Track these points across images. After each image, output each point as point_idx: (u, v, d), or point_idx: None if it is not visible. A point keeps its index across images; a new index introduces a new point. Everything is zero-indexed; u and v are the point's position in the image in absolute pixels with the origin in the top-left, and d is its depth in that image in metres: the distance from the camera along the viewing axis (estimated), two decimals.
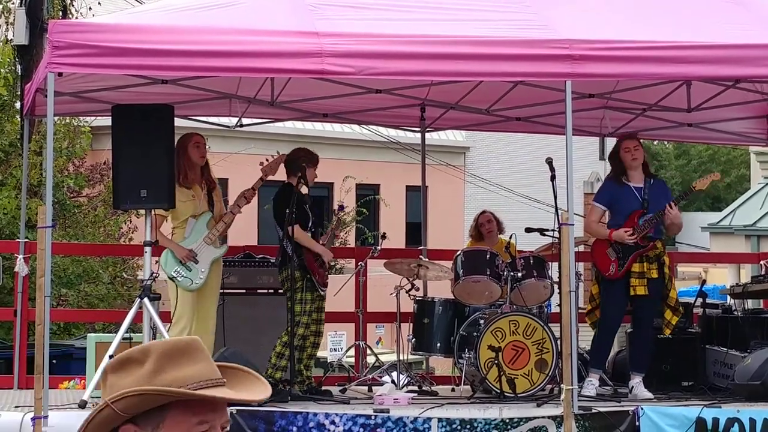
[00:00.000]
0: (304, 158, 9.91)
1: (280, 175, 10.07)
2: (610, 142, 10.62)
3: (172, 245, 9.61)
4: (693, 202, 53.93)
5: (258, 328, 10.34)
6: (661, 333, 9.97)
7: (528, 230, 10.72)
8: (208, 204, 9.77)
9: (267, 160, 9.95)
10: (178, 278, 9.53)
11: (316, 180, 10.13)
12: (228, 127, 12.48)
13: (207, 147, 9.89)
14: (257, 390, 2.99)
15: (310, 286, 9.66)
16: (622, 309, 9.90)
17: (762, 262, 12.43)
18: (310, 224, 9.69)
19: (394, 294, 10.69)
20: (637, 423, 8.70)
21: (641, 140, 10.26)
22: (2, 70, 16.39)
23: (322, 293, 9.79)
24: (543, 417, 8.67)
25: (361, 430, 8.48)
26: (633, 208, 9.87)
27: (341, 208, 10.49)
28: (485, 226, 11.52)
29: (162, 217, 9.67)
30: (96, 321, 15.96)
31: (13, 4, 16.48)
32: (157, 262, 9.50)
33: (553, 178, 9.70)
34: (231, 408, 8.35)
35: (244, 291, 10.76)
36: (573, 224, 8.69)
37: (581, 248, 10.25)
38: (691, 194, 9.80)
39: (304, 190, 9.92)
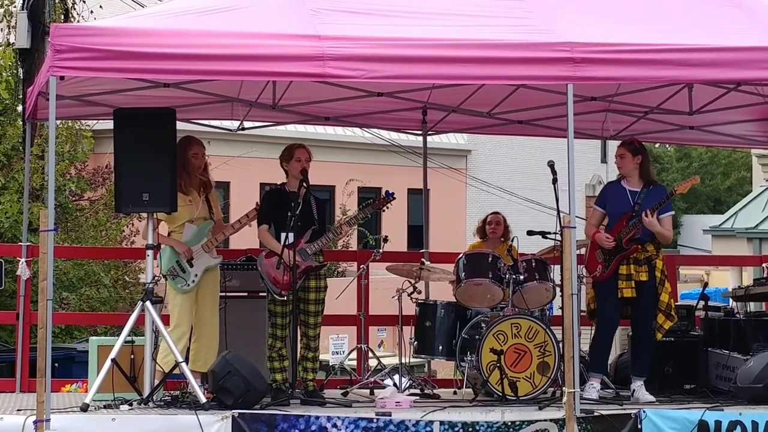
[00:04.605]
0: (281, 157, 9.90)
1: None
2: (612, 145, 10.61)
3: (173, 241, 9.61)
4: (695, 204, 54.01)
5: (260, 332, 10.33)
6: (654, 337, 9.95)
7: (530, 233, 10.71)
8: (209, 210, 9.75)
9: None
10: (171, 276, 9.54)
11: (317, 183, 10.06)
12: (230, 130, 12.49)
13: (205, 155, 9.83)
14: None
15: (269, 290, 9.65)
16: (615, 312, 9.88)
17: (764, 265, 12.43)
18: (292, 224, 9.55)
19: (396, 297, 10.70)
20: (639, 426, 8.70)
21: (643, 143, 10.23)
22: (4, 74, 16.41)
23: (279, 298, 9.58)
24: (545, 420, 8.68)
25: None
26: (623, 211, 9.88)
27: (390, 194, 10.09)
28: (492, 225, 11.48)
29: (159, 220, 9.71)
30: (98, 324, 15.97)
31: (14, 7, 16.49)
32: (158, 266, 9.50)
33: (554, 181, 9.71)
34: (233, 411, 8.39)
35: (245, 294, 10.75)
36: (575, 227, 8.70)
37: (583, 251, 10.25)
38: (671, 198, 9.80)
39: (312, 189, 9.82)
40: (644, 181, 9.95)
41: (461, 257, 10.49)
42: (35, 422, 8.10)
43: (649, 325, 9.83)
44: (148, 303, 9.07)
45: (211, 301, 9.75)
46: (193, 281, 9.57)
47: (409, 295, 10.70)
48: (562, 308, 8.82)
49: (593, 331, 10.04)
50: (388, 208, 10.16)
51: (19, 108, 16.08)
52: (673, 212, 9.98)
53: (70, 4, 16.69)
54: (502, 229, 11.47)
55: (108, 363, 8.92)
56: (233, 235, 10.24)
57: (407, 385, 10.27)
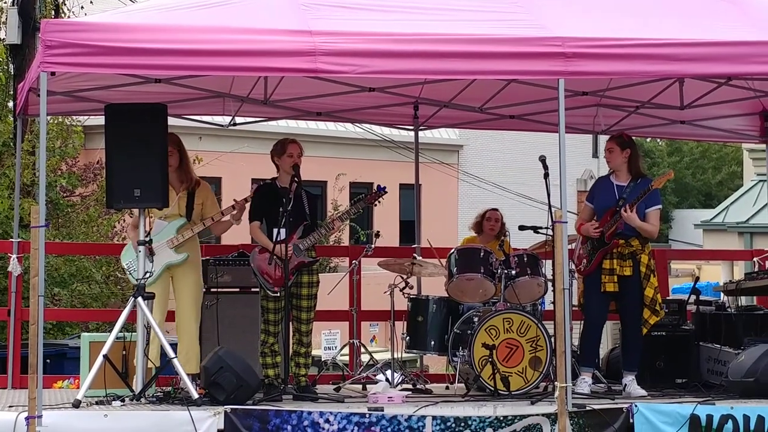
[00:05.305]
0: (272, 151, 9.88)
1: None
2: (604, 140, 10.62)
3: (132, 235, 9.73)
4: (686, 199, 54.07)
5: (252, 327, 10.33)
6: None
7: (521, 228, 10.73)
8: (186, 208, 9.72)
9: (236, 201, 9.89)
10: (128, 270, 9.66)
11: (309, 178, 10.05)
12: (221, 125, 12.46)
13: (170, 152, 9.61)
14: None
15: (261, 286, 9.65)
16: (601, 306, 9.88)
17: (755, 259, 12.47)
18: (284, 219, 9.55)
19: (388, 292, 10.70)
20: (631, 420, 8.72)
21: (633, 138, 10.25)
22: None
23: (271, 294, 9.57)
24: (537, 414, 8.69)
25: (356, 428, 8.49)
26: (608, 205, 9.89)
27: (381, 189, 10.11)
28: (491, 222, 11.42)
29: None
30: (90, 320, 15.95)
31: (5, 3, 16.47)
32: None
33: (546, 175, 9.71)
34: (225, 407, 8.39)
35: (238, 290, 10.75)
36: (566, 222, 8.70)
37: (574, 246, 10.26)
38: (648, 193, 9.80)
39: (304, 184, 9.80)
40: (633, 175, 9.96)
41: (453, 252, 10.49)
42: (27, 418, 8.09)
43: (637, 320, 9.83)
44: (139, 299, 9.07)
45: (187, 301, 9.70)
46: (150, 275, 9.55)
47: (401, 291, 10.71)
48: (553, 303, 8.83)
49: (582, 326, 10.05)
50: (379, 202, 10.16)
51: (10, 104, 16.06)
52: (660, 206, 9.97)
53: (61, 0, 16.66)
54: (500, 226, 11.46)
55: (100, 359, 8.91)
56: (224, 232, 10.18)
57: (399, 381, 10.28)
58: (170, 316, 9.79)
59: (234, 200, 9.80)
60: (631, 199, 9.76)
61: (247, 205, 9.76)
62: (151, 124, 9.26)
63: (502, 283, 10.12)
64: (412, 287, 10.86)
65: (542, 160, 9.74)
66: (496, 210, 11.59)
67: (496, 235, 11.35)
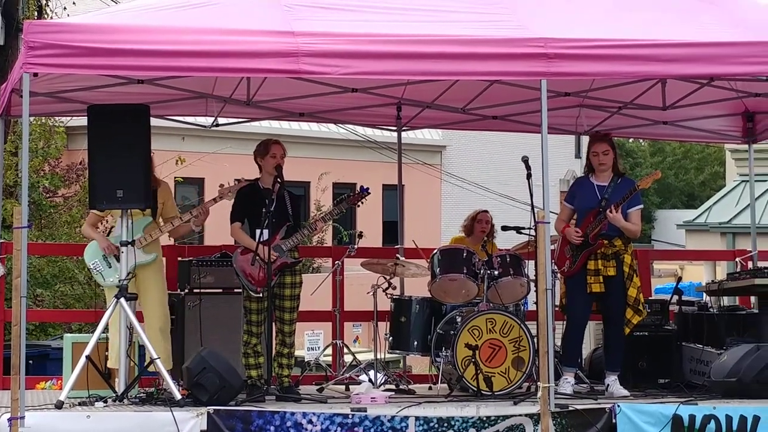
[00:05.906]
0: (255, 152, 9.88)
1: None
2: (586, 140, 10.65)
3: (97, 236, 9.76)
4: (668, 199, 54.23)
5: (235, 328, 10.32)
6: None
7: (504, 228, 10.75)
8: (150, 208, 9.72)
9: (227, 183, 9.90)
10: (94, 270, 9.68)
11: (292, 179, 10.05)
12: (204, 126, 12.45)
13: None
14: None
15: (244, 287, 9.65)
16: (584, 306, 9.89)
17: (737, 259, 12.49)
18: (267, 220, 9.54)
19: (371, 293, 10.71)
20: (613, 420, 8.73)
21: (613, 139, 10.26)
22: None
23: (254, 295, 9.58)
24: (520, 415, 8.70)
25: (339, 429, 8.49)
26: (590, 206, 9.90)
27: (365, 190, 10.14)
28: (482, 224, 11.43)
29: (98, 217, 9.87)
30: (72, 321, 15.93)
31: None
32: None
33: (529, 176, 9.72)
34: (208, 408, 8.38)
35: (220, 290, 10.74)
36: (549, 222, 8.72)
37: (555, 246, 10.27)
38: (634, 193, 9.81)
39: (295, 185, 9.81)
40: (613, 174, 9.99)
41: (436, 253, 10.50)
42: (9, 420, 8.07)
43: (620, 320, 9.84)
44: (122, 300, 9.06)
45: (153, 302, 9.72)
46: (116, 278, 9.53)
47: (384, 291, 10.71)
48: (536, 303, 8.84)
49: (564, 327, 10.06)
50: (362, 203, 10.17)
51: None
52: (641, 206, 9.98)
53: (44, 1, 16.63)
54: (490, 227, 11.49)
55: (82, 360, 8.89)
56: (182, 235, 10.19)
57: (382, 381, 10.29)
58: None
59: (201, 199, 9.82)
60: (614, 199, 9.77)
61: (212, 209, 9.78)
62: (134, 124, 9.25)
63: (485, 283, 10.13)
64: (395, 288, 10.87)
65: (525, 160, 9.75)
66: (486, 212, 11.62)
67: (487, 237, 11.37)
